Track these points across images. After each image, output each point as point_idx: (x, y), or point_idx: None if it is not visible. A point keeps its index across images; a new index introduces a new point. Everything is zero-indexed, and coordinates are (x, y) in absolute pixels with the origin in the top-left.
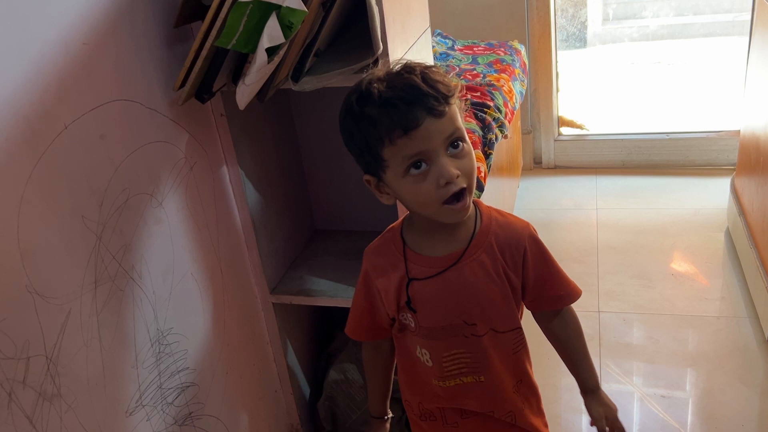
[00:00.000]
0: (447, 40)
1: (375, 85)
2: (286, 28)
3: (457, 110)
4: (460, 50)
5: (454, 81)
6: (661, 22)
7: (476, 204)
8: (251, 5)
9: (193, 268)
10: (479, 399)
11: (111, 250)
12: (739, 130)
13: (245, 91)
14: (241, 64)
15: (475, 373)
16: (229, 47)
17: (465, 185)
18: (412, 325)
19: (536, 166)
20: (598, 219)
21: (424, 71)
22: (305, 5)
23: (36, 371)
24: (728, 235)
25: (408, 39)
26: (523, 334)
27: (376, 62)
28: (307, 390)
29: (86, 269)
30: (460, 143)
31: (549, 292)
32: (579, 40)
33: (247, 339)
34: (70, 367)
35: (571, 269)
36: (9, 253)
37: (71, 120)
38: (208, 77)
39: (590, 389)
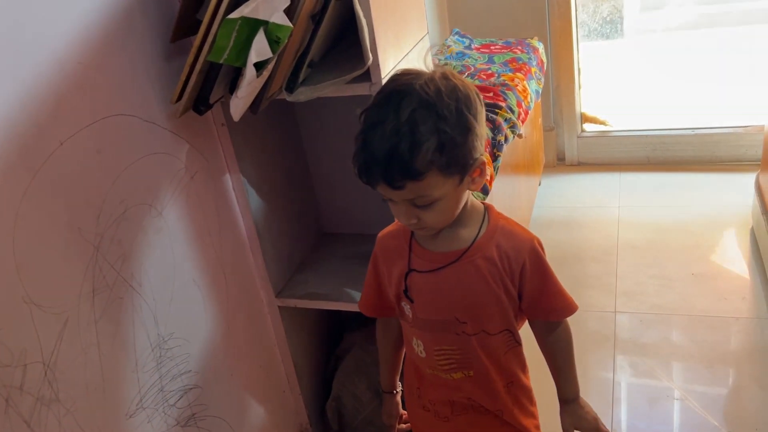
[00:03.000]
0: (464, 39)
1: (363, 116)
2: (273, 42)
3: (430, 179)
4: (477, 49)
5: (431, 156)
6: (701, 10)
7: (487, 209)
8: (240, 21)
9: (195, 274)
10: (469, 392)
11: (109, 259)
12: (764, 125)
13: (238, 104)
14: (237, 76)
15: (464, 369)
16: (221, 61)
17: (424, 227)
18: (410, 315)
19: (560, 163)
20: (620, 217)
21: (402, 138)
22: (292, 18)
23: (33, 378)
24: (753, 233)
25: (402, 48)
26: (512, 336)
27: (367, 73)
28: (317, 390)
29: (84, 279)
30: (426, 205)
31: (543, 304)
32: (615, 30)
33: (254, 341)
34: (69, 372)
35: (589, 268)
36: (5, 267)
37: (66, 137)
38: (205, 90)
39: (566, 399)
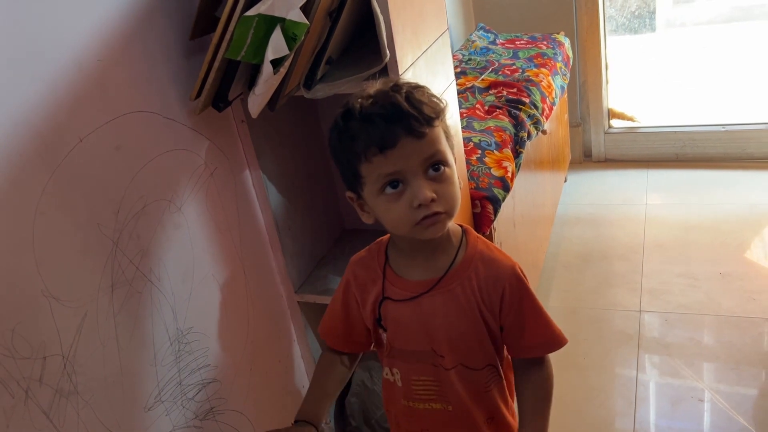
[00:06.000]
0: (489, 34)
1: (360, 101)
2: (290, 39)
3: (441, 133)
4: (502, 44)
5: (441, 103)
6: (736, 3)
7: (465, 233)
8: (257, 18)
9: (215, 269)
10: (446, 426)
11: (128, 254)
12: None
13: (256, 101)
14: (256, 72)
15: (443, 401)
16: (239, 59)
17: (441, 210)
18: (385, 344)
19: (586, 159)
20: (647, 215)
21: (410, 91)
22: (309, 16)
23: (52, 370)
24: None
25: (421, 44)
26: (497, 371)
27: (384, 69)
28: None
29: (103, 274)
30: (441, 167)
31: (525, 340)
32: (648, 24)
33: (273, 336)
34: (87, 365)
35: (615, 266)
36: (24, 261)
37: (86, 133)
38: (223, 87)
39: None
